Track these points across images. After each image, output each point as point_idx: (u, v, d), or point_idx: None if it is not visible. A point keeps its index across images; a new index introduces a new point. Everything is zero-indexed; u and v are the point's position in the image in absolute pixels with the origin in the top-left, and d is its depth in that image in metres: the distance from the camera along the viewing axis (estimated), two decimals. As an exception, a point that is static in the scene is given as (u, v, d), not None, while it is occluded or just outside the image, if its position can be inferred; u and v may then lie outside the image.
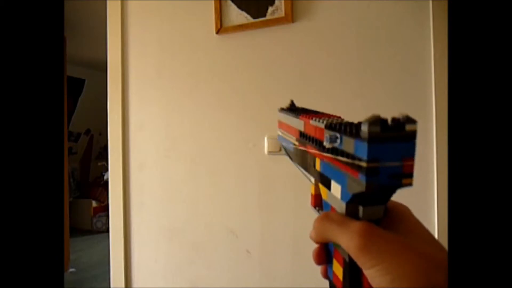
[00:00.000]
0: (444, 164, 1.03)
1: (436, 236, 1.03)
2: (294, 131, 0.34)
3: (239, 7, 1.21)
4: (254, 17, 1.20)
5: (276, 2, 1.17)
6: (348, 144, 0.22)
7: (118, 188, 1.39)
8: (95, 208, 3.96)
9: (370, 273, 0.19)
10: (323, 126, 0.26)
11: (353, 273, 0.22)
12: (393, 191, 0.21)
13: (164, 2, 1.34)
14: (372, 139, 0.19)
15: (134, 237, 1.39)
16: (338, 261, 0.24)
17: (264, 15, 1.18)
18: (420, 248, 0.19)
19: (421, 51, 1.06)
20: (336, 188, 0.25)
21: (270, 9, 1.18)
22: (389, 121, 0.20)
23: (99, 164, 4.42)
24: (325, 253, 0.27)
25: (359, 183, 0.21)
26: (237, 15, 1.22)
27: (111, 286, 1.40)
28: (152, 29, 1.36)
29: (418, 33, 1.05)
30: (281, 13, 1.16)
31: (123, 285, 1.38)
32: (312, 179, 0.32)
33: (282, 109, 0.39)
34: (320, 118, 0.28)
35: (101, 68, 2.03)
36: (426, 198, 1.05)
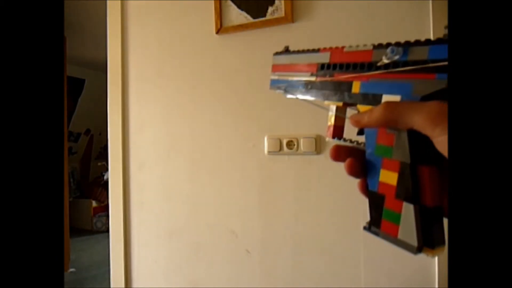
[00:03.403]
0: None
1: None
2: (308, 67, 0.35)
3: (239, 7, 1.21)
4: (254, 17, 1.20)
5: (276, 2, 1.17)
6: (418, 53, 0.24)
7: (118, 188, 1.39)
8: (95, 208, 3.97)
9: (443, 138, 0.21)
10: (370, 47, 0.29)
11: (415, 167, 0.23)
12: None
13: (164, 2, 1.34)
14: None
15: (134, 237, 1.39)
16: (389, 168, 0.24)
17: (264, 15, 1.18)
18: None
19: (421, 51, 1.05)
20: (391, 100, 0.26)
21: (270, 9, 1.18)
22: None
23: (99, 164, 4.42)
24: (361, 166, 0.27)
25: (435, 83, 0.22)
26: (237, 15, 1.22)
27: (111, 286, 1.40)
28: (152, 29, 1.36)
29: (418, 33, 1.05)
30: (281, 13, 1.16)
31: (123, 285, 1.38)
32: (333, 109, 0.32)
33: (280, 53, 0.40)
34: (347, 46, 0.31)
35: (101, 68, 2.03)
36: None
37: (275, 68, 0.40)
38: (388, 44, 0.26)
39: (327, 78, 0.32)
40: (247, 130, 1.23)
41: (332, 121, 0.32)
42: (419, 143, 0.23)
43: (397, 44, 0.26)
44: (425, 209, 0.22)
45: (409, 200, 0.22)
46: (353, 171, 0.26)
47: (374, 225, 0.25)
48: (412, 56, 0.25)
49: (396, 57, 0.26)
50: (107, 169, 3.23)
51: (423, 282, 1.03)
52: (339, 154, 0.28)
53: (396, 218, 0.23)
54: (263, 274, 1.21)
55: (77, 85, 4.10)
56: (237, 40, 1.24)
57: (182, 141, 1.32)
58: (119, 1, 1.40)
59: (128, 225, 1.39)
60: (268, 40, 1.20)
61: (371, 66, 0.28)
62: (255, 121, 1.21)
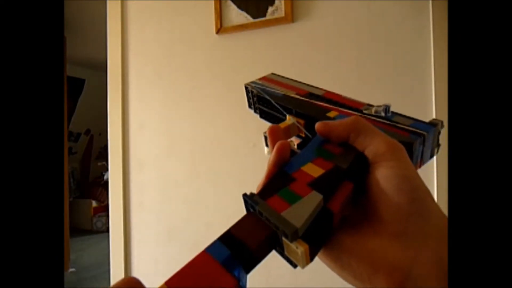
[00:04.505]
0: (444, 164, 1.03)
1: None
2: (297, 89, 0.37)
3: (239, 7, 1.21)
4: (254, 17, 1.20)
5: (276, 2, 1.17)
6: (401, 121, 0.29)
7: (118, 188, 1.39)
8: (95, 208, 3.97)
9: (392, 164, 0.23)
10: (365, 103, 0.33)
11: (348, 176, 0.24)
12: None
13: (164, 2, 1.34)
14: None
15: (134, 237, 1.39)
16: (319, 165, 0.25)
17: (264, 15, 1.18)
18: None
19: (421, 51, 1.05)
20: None
21: (270, 9, 1.18)
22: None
23: (99, 164, 4.42)
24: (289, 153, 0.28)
25: (406, 138, 0.27)
26: (237, 15, 1.22)
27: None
28: (152, 29, 1.36)
29: (418, 33, 1.05)
30: (281, 13, 1.16)
31: (123, 285, 1.38)
32: (291, 120, 0.34)
33: (277, 75, 0.42)
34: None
35: (101, 68, 2.03)
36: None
37: (264, 78, 0.42)
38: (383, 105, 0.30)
39: (310, 100, 0.34)
40: (247, 130, 1.23)
41: (285, 124, 0.34)
42: (359, 165, 0.24)
43: (389, 108, 0.31)
44: (326, 209, 0.22)
45: (321, 191, 0.22)
46: (284, 152, 0.26)
47: (261, 196, 0.24)
48: (396, 120, 0.30)
49: (382, 114, 0.30)
50: (107, 169, 3.24)
51: (423, 282, 1.03)
52: (277, 133, 0.29)
53: (293, 199, 0.22)
54: (263, 274, 1.21)
55: (77, 85, 4.10)
56: (237, 40, 1.24)
57: (182, 141, 1.32)
58: (119, 1, 1.40)
59: (128, 225, 1.39)
60: (268, 40, 1.20)
61: (357, 111, 0.32)
62: (255, 121, 1.21)
